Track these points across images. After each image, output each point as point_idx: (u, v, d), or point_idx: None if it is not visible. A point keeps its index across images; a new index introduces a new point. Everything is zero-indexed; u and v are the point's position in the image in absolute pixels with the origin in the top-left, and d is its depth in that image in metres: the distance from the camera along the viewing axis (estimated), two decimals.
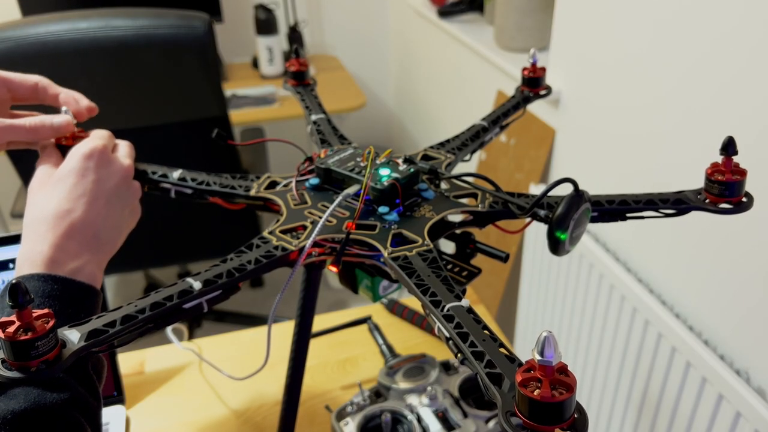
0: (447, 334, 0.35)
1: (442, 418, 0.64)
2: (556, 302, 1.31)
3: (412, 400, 0.66)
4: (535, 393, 0.27)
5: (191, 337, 1.85)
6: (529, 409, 0.27)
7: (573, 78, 1.22)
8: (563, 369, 0.28)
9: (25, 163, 1.39)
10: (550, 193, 0.45)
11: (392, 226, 0.47)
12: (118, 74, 1.24)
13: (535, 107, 1.36)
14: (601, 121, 1.15)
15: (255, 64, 2.18)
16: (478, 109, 1.70)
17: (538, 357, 0.27)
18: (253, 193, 0.54)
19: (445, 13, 1.80)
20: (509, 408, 0.29)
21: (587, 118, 1.20)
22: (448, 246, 0.53)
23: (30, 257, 0.47)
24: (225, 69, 2.15)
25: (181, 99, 1.33)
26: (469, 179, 0.52)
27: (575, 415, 0.28)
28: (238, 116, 1.83)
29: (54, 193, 0.50)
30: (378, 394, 0.69)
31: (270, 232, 0.47)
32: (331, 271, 0.50)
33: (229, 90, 1.98)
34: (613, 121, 1.11)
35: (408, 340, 0.90)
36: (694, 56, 0.90)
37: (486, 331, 0.34)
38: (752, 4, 0.79)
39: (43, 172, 0.52)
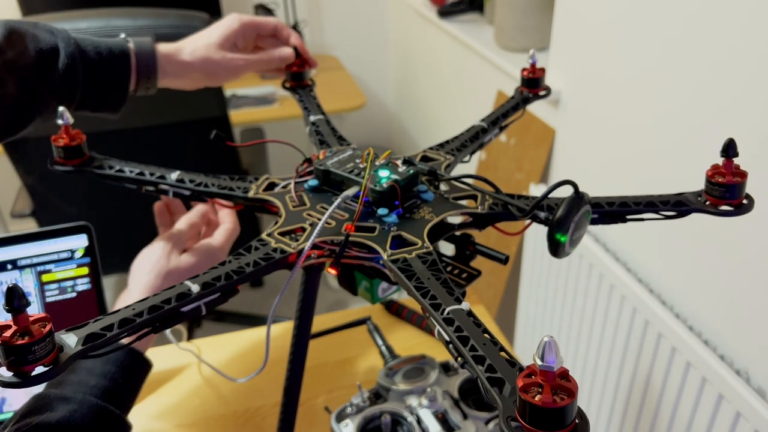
0: (447, 338, 0.35)
1: (442, 419, 0.64)
2: (556, 302, 1.31)
3: (412, 401, 0.66)
4: (536, 398, 0.27)
5: (191, 336, 1.85)
6: (530, 414, 0.27)
7: (573, 78, 1.21)
8: (564, 374, 0.27)
9: (25, 163, 1.39)
10: (551, 195, 0.45)
11: (391, 228, 0.47)
12: None
13: (535, 107, 1.35)
14: (601, 122, 1.15)
15: None
16: (478, 110, 1.70)
17: (539, 362, 0.27)
18: (251, 194, 0.54)
19: (445, 13, 1.79)
20: (510, 413, 0.29)
21: (587, 118, 1.19)
22: (447, 248, 0.53)
23: None
24: None
25: (181, 99, 1.32)
26: (469, 181, 0.52)
27: (576, 421, 0.27)
28: (238, 116, 1.82)
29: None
30: (377, 395, 0.68)
31: (268, 234, 0.47)
32: (330, 273, 0.50)
33: (229, 90, 1.98)
34: (613, 121, 1.11)
35: (408, 340, 0.90)
36: (694, 56, 0.90)
37: (486, 335, 0.34)
38: (753, 7, 0.79)
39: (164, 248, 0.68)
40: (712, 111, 0.88)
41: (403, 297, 1.11)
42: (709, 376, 0.88)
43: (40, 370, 0.31)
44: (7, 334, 0.30)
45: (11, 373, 0.31)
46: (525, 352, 1.53)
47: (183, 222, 0.72)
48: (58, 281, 0.70)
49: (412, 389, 0.67)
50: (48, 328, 0.31)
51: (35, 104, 0.62)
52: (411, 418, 0.64)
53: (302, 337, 0.63)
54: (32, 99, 0.62)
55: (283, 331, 0.91)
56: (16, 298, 0.30)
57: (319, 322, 0.89)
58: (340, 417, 0.66)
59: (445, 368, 0.71)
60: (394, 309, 0.95)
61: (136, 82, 0.69)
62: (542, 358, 0.27)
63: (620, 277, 1.07)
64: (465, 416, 0.65)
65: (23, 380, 0.31)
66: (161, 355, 0.88)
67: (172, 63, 0.71)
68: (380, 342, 0.85)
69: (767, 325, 0.84)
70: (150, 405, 0.81)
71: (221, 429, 0.77)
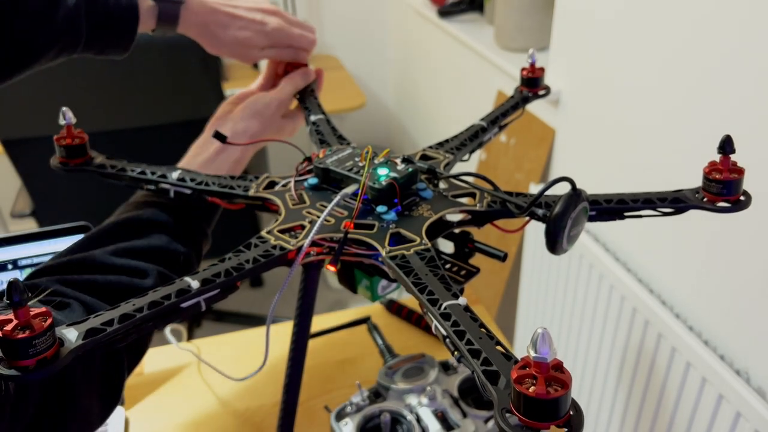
0: (444, 332, 0.35)
1: (442, 418, 0.64)
2: (556, 302, 1.31)
3: (412, 400, 0.66)
4: (530, 390, 0.27)
5: (191, 336, 1.85)
6: (525, 406, 0.27)
7: (573, 78, 1.22)
8: (558, 366, 0.28)
9: (25, 163, 1.39)
10: (550, 192, 0.45)
11: (390, 226, 0.47)
12: (119, 74, 1.25)
13: (535, 107, 1.36)
14: (601, 121, 1.15)
15: (255, 64, 2.19)
16: (478, 109, 1.70)
17: (533, 353, 0.27)
18: (251, 193, 0.54)
19: (445, 13, 1.80)
20: (505, 405, 0.29)
21: (587, 118, 1.20)
22: (446, 246, 0.53)
23: None
24: (225, 69, 2.15)
25: (181, 99, 1.33)
26: (468, 179, 0.52)
27: (571, 413, 0.28)
28: None
29: None
30: (377, 394, 0.68)
31: (268, 232, 0.47)
32: (330, 270, 0.50)
33: (229, 90, 1.97)
34: (613, 121, 1.11)
35: (407, 340, 0.90)
36: (693, 55, 0.90)
37: (483, 329, 0.34)
38: (753, 6, 0.79)
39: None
40: (713, 110, 0.89)
41: (403, 296, 1.11)
42: (709, 376, 0.88)
43: (40, 364, 0.31)
44: (8, 328, 0.30)
45: (12, 367, 0.31)
46: (525, 353, 1.53)
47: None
48: None
49: (412, 388, 0.67)
50: (49, 322, 0.31)
51: (35, 49, 0.60)
52: (410, 417, 0.64)
53: (302, 335, 0.64)
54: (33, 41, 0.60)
55: (283, 330, 0.91)
56: (17, 293, 0.30)
57: (319, 322, 0.89)
58: (340, 416, 0.66)
59: (445, 367, 0.71)
60: (394, 308, 0.95)
61: (157, 19, 0.65)
62: (536, 350, 0.27)
63: (620, 277, 1.07)
64: (464, 415, 0.65)
65: (23, 374, 0.31)
66: (161, 355, 0.88)
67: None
68: (380, 341, 0.85)
69: (767, 325, 0.84)
70: (150, 405, 0.81)
71: (221, 429, 0.78)
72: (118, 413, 0.77)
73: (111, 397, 0.53)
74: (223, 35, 0.68)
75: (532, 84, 0.67)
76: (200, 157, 0.66)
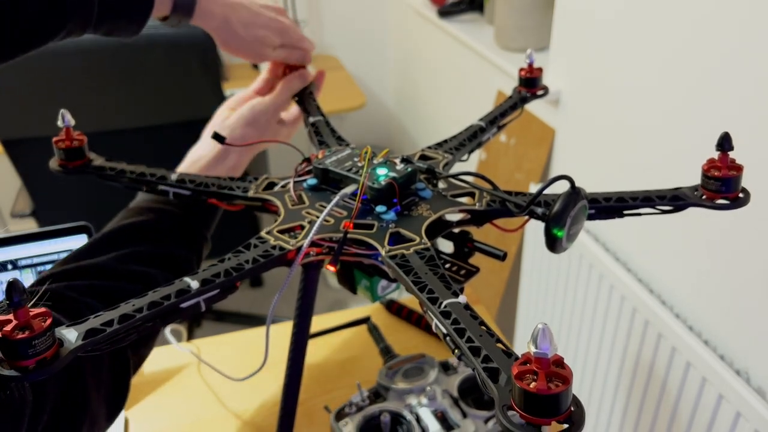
0: (444, 331, 0.35)
1: (441, 418, 0.64)
2: (556, 302, 1.31)
3: (411, 400, 0.66)
4: (531, 386, 0.27)
5: (191, 336, 1.85)
6: (525, 402, 0.27)
7: (573, 78, 1.22)
8: (559, 361, 0.28)
9: (25, 163, 1.39)
10: (549, 191, 0.45)
11: (390, 225, 0.47)
12: (119, 74, 1.25)
13: (535, 107, 1.36)
14: (601, 121, 1.15)
15: (255, 64, 2.19)
16: (478, 110, 1.69)
17: (533, 349, 0.27)
18: (251, 194, 0.54)
19: (445, 13, 1.80)
20: (506, 402, 0.29)
21: (587, 118, 1.20)
22: (446, 246, 0.53)
23: None
24: (225, 69, 2.15)
25: (181, 99, 1.33)
26: (467, 178, 0.52)
27: (572, 408, 0.28)
28: None
29: None
30: (377, 394, 0.68)
31: (268, 232, 0.47)
32: (329, 270, 0.50)
33: (229, 90, 1.97)
34: (613, 121, 1.11)
35: (407, 340, 0.90)
36: (694, 56, 0.90)
37: (483, 327, 0.34)
38: (754, 6, 0.79)
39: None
40: (713, 109, 0.89)
41: (403, 296, 1.11)
42: (709, 376, 0.88)
43: (39, 365, 0.31)
44: (8, 328, 0.30)
45: (12, 368, 0.31)
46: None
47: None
48: None
49: (412, 388, 0.67)
50: (48, 322, 0.31)
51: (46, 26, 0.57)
52: (410, 417, 0.64)
53: (301, 335, 0.63)
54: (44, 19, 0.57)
55: (283, 330, 0.91)
56: (16, 293, 0.30)
57: (319, 322, 0.89)
58: (340, 416, 0.66)
59: (445, 367, 0.71)
60: (394, 309, 0.95)
61: (172, 7, 0.62)
62: (536, 345, 0.27)
63: (620, 277, 1.07)
64: (464, 415, 0.65)
65: (23, 375, 0.31)
66: (161, 355, 0.88)
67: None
68: (380, 341, 0.85)
69: (767, 325, 0.84)
70: (150, 405, 0.81)
71: (221, 429, 0.77)
72: None
73: (118, 400, 0.54)
74: (244, 33, 0.67)
75: (530, 84, 0.67)
76: (198, 164, 0.66)
